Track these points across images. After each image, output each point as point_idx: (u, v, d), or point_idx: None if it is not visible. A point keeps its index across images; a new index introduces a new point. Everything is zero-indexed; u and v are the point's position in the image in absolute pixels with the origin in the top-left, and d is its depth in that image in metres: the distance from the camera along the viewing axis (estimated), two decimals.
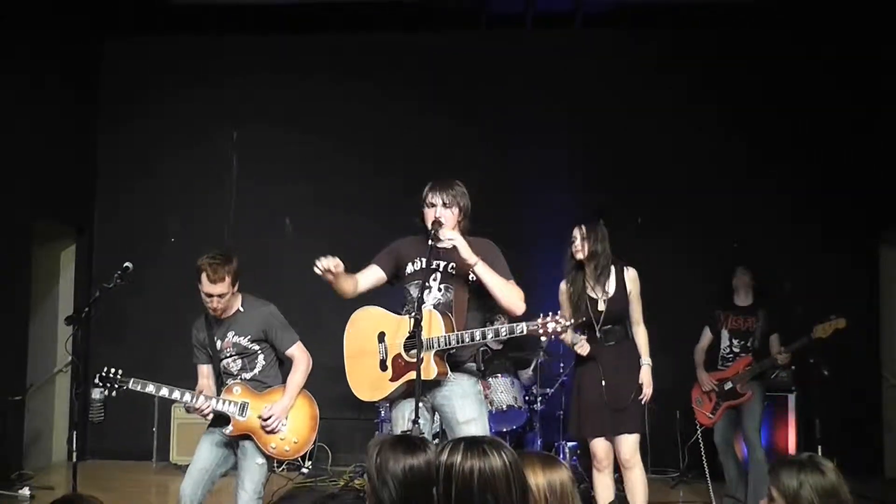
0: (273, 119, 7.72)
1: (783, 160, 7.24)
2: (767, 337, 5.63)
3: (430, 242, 3.76)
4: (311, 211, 7.70)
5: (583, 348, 4.46)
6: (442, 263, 3.84)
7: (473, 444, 2.06)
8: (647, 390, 4.43)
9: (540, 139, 7.46)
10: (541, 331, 3.56)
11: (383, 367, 3.86)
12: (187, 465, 4.21)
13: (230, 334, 4.12)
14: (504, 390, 6.02)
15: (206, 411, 4.09)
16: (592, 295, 4.51)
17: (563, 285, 4.59)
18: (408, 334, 3.73)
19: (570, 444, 6.22)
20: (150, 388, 4.13)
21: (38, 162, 6.90)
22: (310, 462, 6.84)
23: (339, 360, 4.04)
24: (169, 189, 7.76)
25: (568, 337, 4.48)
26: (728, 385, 5.55)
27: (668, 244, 7.05)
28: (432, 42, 7.69)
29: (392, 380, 3.83)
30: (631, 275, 4.53)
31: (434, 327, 3.68)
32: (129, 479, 6.79)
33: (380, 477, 2.12)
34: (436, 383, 3.78)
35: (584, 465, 5.89)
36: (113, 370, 4.18)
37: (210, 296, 4.01)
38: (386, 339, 3.88)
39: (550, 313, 3.57)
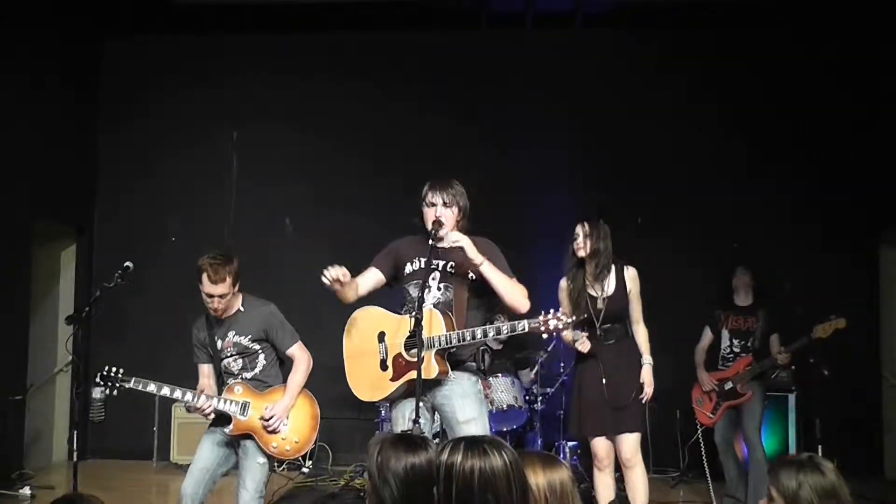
0: (273, 119, 7.73)
1: (783, 160, 7.24)
2: (767, 337, 5.63)
3: (430, 242, 3.77)
4: (311, 211, 7.70)
5: (584, 345, 4.46)
6: (441, 263, 3.85)
7: (474, 444, 2.06)
8: (648, 389, 4.43)
9: (540, 139, 7.46)
10: (542, 328, 3.57)
11: (384, 366, 3.87)
12: (188, 465, 4.21)
13: (231, 334, 4.13)
14: (504, 390, 6.02)
15: (207, 411, 4.09)
16: (592, 293, 4.52)
17: (563, 282, 4.60)
18: (408, 334, 3.73)
19: (570, 443, 6.23)
20: (152, 388, 4.13)
21: (38, 162, 6.90)
22: (310, 462, 6.84)
23: (339, 359, 4.04)
24: (169, 189, 7.77)
25: (568, 335, 4.49)
26: (728, 385, 5.56)
27: (668, 244, 7.05)
28: (432, 42, 7.69)
29: (393, 379, 3.83)
30: (631, 274, 4.54)
31: (434, 326, 3.69)
32: (129, 478, 6.80)
33: (381, 475, 2.12)
34: (436, 383, 3.78)
35: (584, 465, 5.89)
36: (114, 369, 4.19)
37: (211, 296, 4.01)
38: (386, 338, 3.88)
39: (552, 310, 3.59)
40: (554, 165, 7.40)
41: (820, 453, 5.00)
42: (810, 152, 7.22)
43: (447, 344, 3.68)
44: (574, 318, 4.01)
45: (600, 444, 4.50)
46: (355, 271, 4.02)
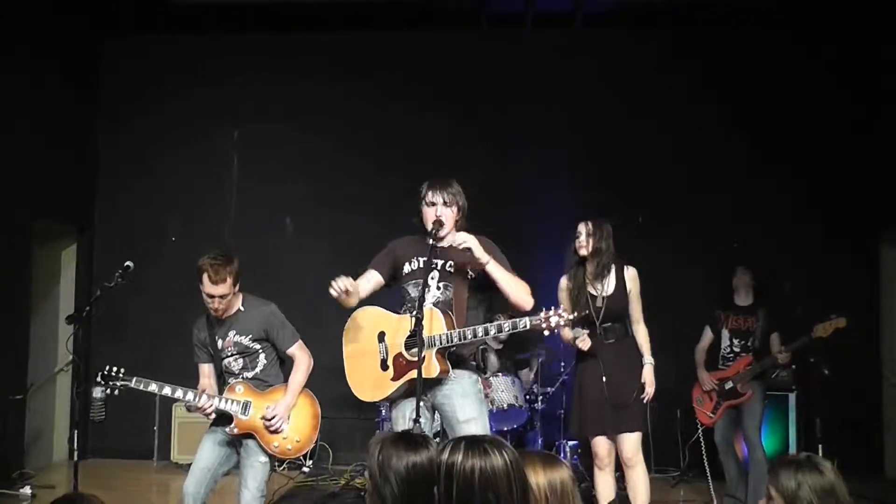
0: (273, 119, 7.73)
1: (783, 160, 7.24)
2: (768, 336, 5.63)
3: (430, 241, 3.78)
4: (311, 211, 7.70)
5: (584, 343, 4.46)
6: (440, 262, 3.86)
7: (474, 443, 2.06)
8: (650, 389, 4.44)
9: (540, 139, 7.46)
10: (544, 325, 3.58)
11: (384, 366, 3.87)
12: (188, 464, 4.22)
13: (231, 334, 4.13)
14: (505, 389, 6.01)
15: (208, 410, 4.09)
16: (592, 291, 4.52)
17: (563, 281, 4.61)
18: (408, 333, 3.74)
19: (570, 443, 6.23)
20: (153, 387, 4.13)
21: (38, 162, 6.90)
22: (310, 461, 6.85)
23: (340, 359, 4.05)
24: (169, 189, 7.77)
25: (567, 333, 4.49)
26: (729, 384, 5.56)
27: (668, 244, 7.05)
28: (432, 42, 7.69)
29: (394, 379, 3.84)
30: (631, 273, 4.55)
31: (435, 325, 3.69)
32: (130, 477, 6.81)
33: (382, 474, 2.12)
34: (436, 382, 3.79)
35: (584, 464, 5.90)
36: (115, 369, 4.19)
37: (212, 296, 4.02)
38: (386, 338, 3.89)
39: (553, 307, 3.61)
40: (554, 165, 7.40)
41: (820, 453, 5.02)
42: (810, 152, 7.22)
43: (448, 342, 3.68)
44: (575, 314, 4.02)
45: (601, 444, 4.51)
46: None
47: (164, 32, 7.76)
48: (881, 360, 7.09)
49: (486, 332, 3.70)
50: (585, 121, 7.41)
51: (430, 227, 3.85)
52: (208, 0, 7.32)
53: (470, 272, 3.86)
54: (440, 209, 3.85)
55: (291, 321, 4.27)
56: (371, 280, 3.99)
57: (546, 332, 3.63)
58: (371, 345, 3.93)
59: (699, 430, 5.83)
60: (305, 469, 6.80)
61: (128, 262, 4.51)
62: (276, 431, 4.09)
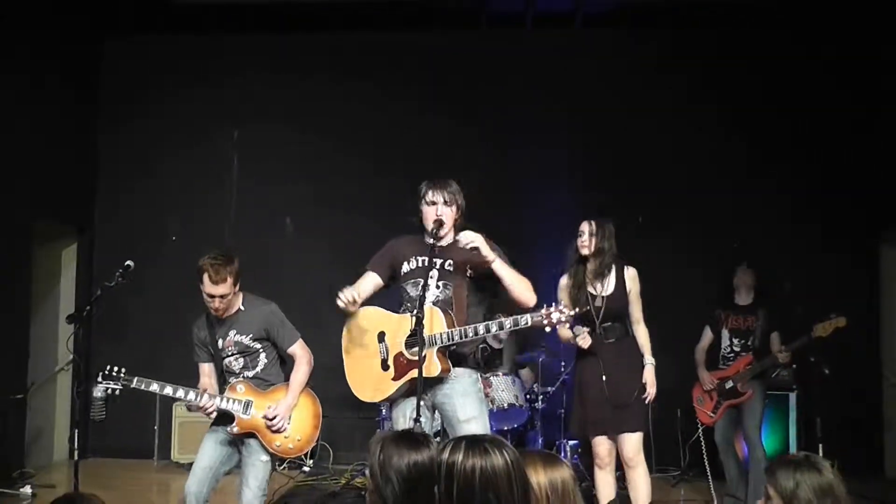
0: (273, 119, 7.73)
1: (783, 160, 7.24)
2: (768, 336, 5.63)
3: (431, 241, 3.79)
4: (311, 211, 7.70)
5: (585, 340, 4.46)
6: (439, 261, 3.86)
7: (475, 443, 2.06)
8: (651, 389, 4.44)
9: (540, 139, 7.46)
10: (545, 321, 3.58)
11: (385, 366, 3.87)
12: (189, 464, 4.22)
13: (231, 333, 4.13)
14: (505, 389, 6.02)
15: (210, 410, 4.09)
16: (591, 291, 4.52)
17: (563, 280, 4.61)
18: (409, 332, 3.74)
19: (571, 442, 6.23)
20: (154, 387, 4.14)
21: (38, 162, 6.90)
22: (311, 460, 6.85)
23: (339, 359, 4.07)
24: (169, 189, 7.77)
25: (565, 332, 4.49)
26: (729, 384, 5.56)
27: (668, 244, 7.05)
28: (432, 42, 7.68)
29: (394, 379, 3.84)
30: (631, 273, 4.55)
31: (436, 324, 3.70)
32: (130, 477, 6.81)
33: (383, 473, 2.12)
34: (436, 381, 3.79)
35: (585, 464, 5.90)
36: (116, 369, 4.19)
37: (212, 296, 4.02)
38: (386, 338, 3.89)
39: (553, 304, 3.63)
40: (554, 165, 7.41)
41: (820, 452, 5.02)
42: (810, 152, 7.22)
43: (449, 341, 3.69)
44: (576, 310, 4.03)
45: (601, 443, 4.51)
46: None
47: (164, 32, 7.75)
48: (881, 360, 7.09)
49: (488, 330, 3.71)
50: (585, 121, 7.40)
51: (430, 226, 3.86)
52: (208, 0, 7.32)
53: (469, 270, 3.87)
54: (440, 208, 3.87)
55: (291, 321, 4.28)
56: (370, 282, 4.01)
57: (547, 329, 3.64)
58: (371, 345, 3.93)
59: (699, 430, 5.83)
60: (306, 468, 6.81)
61: (128, 262, 4.51)
62: (277, 431, 4.10)
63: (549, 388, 6.32)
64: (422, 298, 3.64)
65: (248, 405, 4.10)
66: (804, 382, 6.24)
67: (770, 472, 2.38)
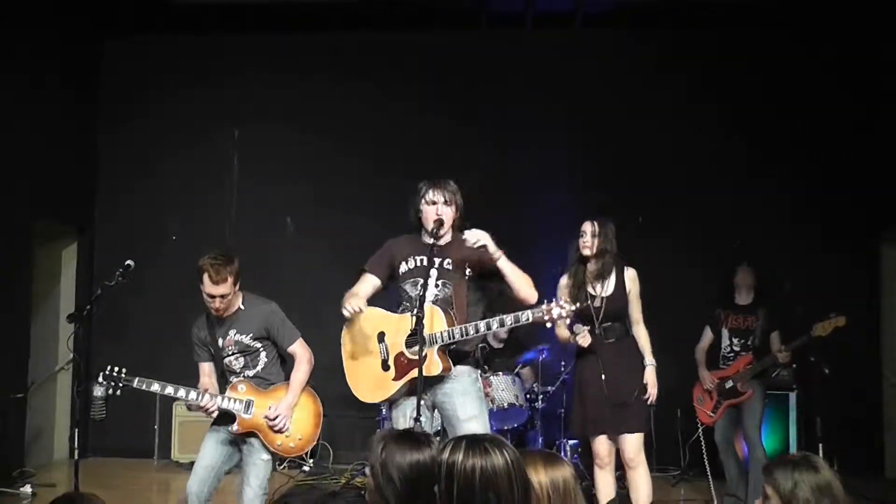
0: (273, 119, 7.73)
1: (783, 160, 7.24)
2: (768, 335, 5.63)
3: (431, 240, 3.79)
4: (311, 211, 7.70)
5: (585, 339, 4.45)
6: (437, 260, 3.86)
7: (475, 443, 2.06)
8: (653, 391, 4.43)
9: (540, 139, 7.46)
10: (546, 317, 3.59)
11: (385, 367, 3.88)
12: (189, 463, 4.23)
13: (232, 332, 4.13)
14: (505, 388, 6.01)
15: (211, 410, 4.09)
16: (591, 291, 4.52)
17: (563, 280, 4.61)
18: (409, 332, 3.74)
19: (571, 442, 6.23)
20: (156, 387, 4.13)
21: (38, 162, 6.90)
22: (311, 460, 6.85)
23: (339, 358, 4.07)
24: (169, 189, 7.77)
25: (563, 333, 4.49)
26: (729, 383, 5.56)
27: (668, 244, 7.05)
28: (432, 42, 7.68)
29: (395, 379, 3.84)
30: (630, 274, 4.55)
31: (436, 323, 3.70)
32: (130, 476, 6.81)
33: (385, 473, 2.12)
34: (437, 381, 3.79)
35: (585, 463, 5.89)
36: (117, 369, 4.19)
37: (212, 296, 4.02)
38: (386, 338, 3.90)
39: (553, 299, 3.64)
40: (554, 165, 7.40)
41: (820, 452, 5.03)
42: (810, 152, 7.22)
43: (450, 339, 3.69)
44: (577, 304, 4.03)
45: (601, 443, 4.50)
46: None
47: (164, 32, 7.76)
48: (881, 359, 7.09)
49: (489, 327, 3.71)
50: (585, 121, 7.40)
51: (430, 226, 3.86)
52: (208, 0, 7.32)
53: (468, 269, 3.87)
54: (440, 208, 3.87)
55: (291, 321, 4.28)
56: (369, 285, 4.02)
57: (548, 324, 3.64)
58: (371, 346, 3.93)
59: (699, 430, 5.83)
60: (306, 468, 6.81)
61: (129, 261, 4.52)
62: (279, 430, 4.10)
63: (549, 388, 6.32)
64: (422, 297, 3.64)
65: (249, 404, 4.10)
66: (804, 382, 6.24)
67: (768, 471, 2.39)
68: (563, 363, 6.27)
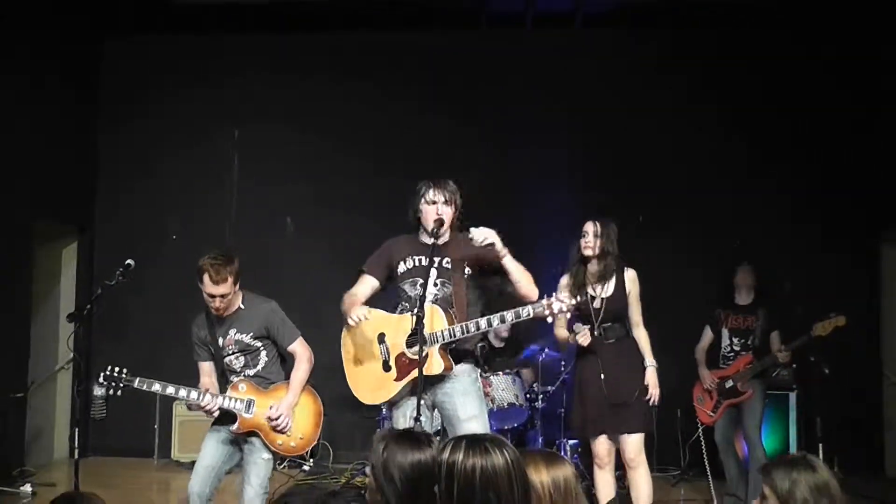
0: (273, 119, 7.73)
1: (783, 160, 7.24)
2: (768, 335, 5.63)
3: (431, 240, 3.79)
4: (311, 211, 7.70)
5: (584, 338, 4.45)
6: (437, 259, 3.87)
7: (475, 442, 2.06)
8: (655, 392, 4.42)
9: (540, 139, 7.46)
10: (546, 312, 3.59)
11: (386, 367, 3.88)
12: (189, 462, 4.23)
13: (232, 332, 4.13)
14: (505, 388, 6.01)
15: (212, 409, 4.09)
16: (591, 292, 4.52)
17: (564, 279, 4.60)
18: (409, 332, 3.74)
19: (571, 442, 6.23)
20: (156, 387, 4.14)
21: (38, 162, 6.90)
22: (311, 459, 6.85)
23: (339, 359, 4.07)
24: (169, 189, 7.77)
25: (562, 333, 4.49)
26: (729, 383, 5.56)
27: (668, 244, 7.05)
28: (432, 42, 7.68)
29: (397, 379, 3.84)
30: (630, 275, 4.54)
31: (436, 322, 3.71)
32: (130, 476, 6.81)
33: (385, 472, 2.12)
34: (437, 380, 3.79)
35: (585, 463, 5.89)
36: (118, 369, 4.19)
37: (213, 296, 4.02)
38: (387, 339, 3.90)
39: (554, 294, 3.64)
40: (554, 165, 7.40)
41: (821, 452, 5.04)
42: (810, 152, 7.22)
43: (451, 338, 3.70)
44: (577, 298, 4.03)
45: (601, 443, 4.50)
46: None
47: (164, 32, 7.75)
48: (881, 359, 7.09)
49: (489, 324, 3.71)
50: (585, 121, 7.40)
51: (430, 225, 3.86)
52: (208, 0, 7.32)
53: (467, 268, 3.88)
54: (440, 207, 3.87)
55: (291, 321, 4.28)
56: (368, 286, 4.03)
57: (549, 319, 3.65)
58: (372, 347, 3.93)
59: (699, 429, 5.83)
60: (306, 467, 6.81)
61: (129, 261, 4.52)
62: (281, 430, 4.10)
63: (550, 388, 6.31)
64: (422, 297, 3.64)
65: (250, 404, 4.10)
66: (804, 382, 6.24)
67: (766, 471, 2.39)
68: (563, 363, 6.27)
